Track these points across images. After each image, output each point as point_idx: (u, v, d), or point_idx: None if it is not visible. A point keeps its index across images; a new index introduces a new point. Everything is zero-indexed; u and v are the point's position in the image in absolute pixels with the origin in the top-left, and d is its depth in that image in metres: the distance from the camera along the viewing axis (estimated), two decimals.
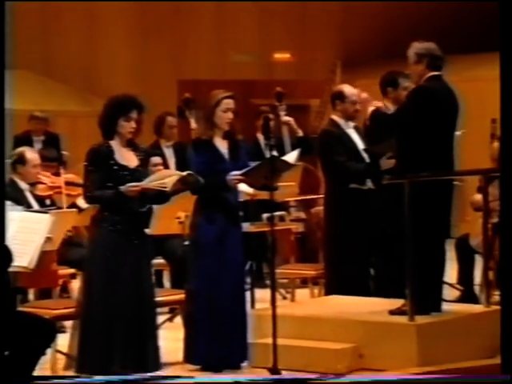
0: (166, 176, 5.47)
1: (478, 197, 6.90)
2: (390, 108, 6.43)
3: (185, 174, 5.51)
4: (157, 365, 5.44)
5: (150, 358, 5.41)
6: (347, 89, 6.88)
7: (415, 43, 5.94)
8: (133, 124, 5.42)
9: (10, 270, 4.73)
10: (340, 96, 6.84)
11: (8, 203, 6.08)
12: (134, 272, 5.40)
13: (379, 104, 6.17)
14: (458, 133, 6.50)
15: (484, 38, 11.87)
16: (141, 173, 5.45)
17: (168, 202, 5.64)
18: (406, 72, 6.40)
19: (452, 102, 5.92)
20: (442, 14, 13.54)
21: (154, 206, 6.09)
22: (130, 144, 5.49)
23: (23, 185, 7.03)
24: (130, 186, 5.33)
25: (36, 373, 4.76)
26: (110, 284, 5.34)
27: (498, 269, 5.54)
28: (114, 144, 5.45)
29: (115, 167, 5.38)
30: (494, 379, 4.97)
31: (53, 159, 7.77)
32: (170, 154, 8.42)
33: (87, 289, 5.43)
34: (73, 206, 6.93)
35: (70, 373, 5.50)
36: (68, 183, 7.45)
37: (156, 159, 7.62)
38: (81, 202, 6.53)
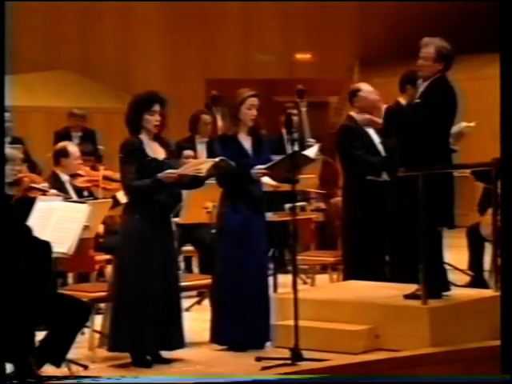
0: (200, 163, 5.52)
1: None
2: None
3: (217, 159, 5.56)
4: (181, 343, 5.44)
5: (174, 336, 5.41)
6: (364, 86, 6.84)
7: (436, 40, 5.68)
8: (157, 117, 5.41)
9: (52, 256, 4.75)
10: (357, 93, 6.81)
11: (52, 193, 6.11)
12: (162, 258, 5.41)
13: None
14: (472, 124, 6.43)
15: (497, 38, 11.71)
16: (169, 164, 5.45)
17: (202, 186, 5.64)
18: (417, 63, 5.82)
19: (457, 101, 5.85)
20: (456, 13, 13.38)
21: (184, 197, 6.10)
22: (157, 138, 5.49)
23: (64, 177, 7.08)
24: (168, 173, 5.34)
25: (73, 350, 4.79)
26: (139, 269, 5.35)
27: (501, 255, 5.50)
28: (142, 138, 5.45)
29: (146, 159, 5.39)
30: (494, 379, 4.88)
31: (89, 153, 7.89)
32: (202, 149, 8.43)
33: (119, 273, 5.45)
34: (112, 198, 6.95)
35: (103, 350, 5.52)
36: (105, 178, 7.49)
37: (188, 152, 7.76)
38: (120, 196, 6.56)
